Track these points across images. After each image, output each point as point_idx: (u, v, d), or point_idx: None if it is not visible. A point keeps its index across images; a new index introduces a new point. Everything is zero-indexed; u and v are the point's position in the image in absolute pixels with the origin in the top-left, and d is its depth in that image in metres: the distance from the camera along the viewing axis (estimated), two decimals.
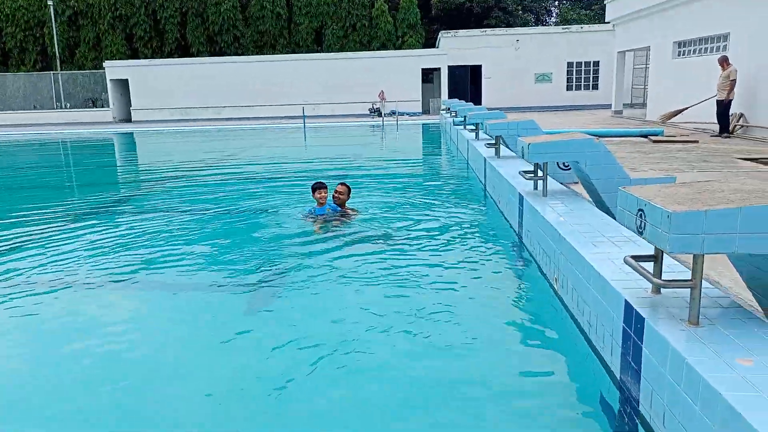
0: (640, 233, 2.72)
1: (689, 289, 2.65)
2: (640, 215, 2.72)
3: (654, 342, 2.61)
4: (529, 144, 5.44)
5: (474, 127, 12.46)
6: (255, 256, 5.70)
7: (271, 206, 8.14)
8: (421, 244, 5.98)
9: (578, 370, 3.41)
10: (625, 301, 2.96)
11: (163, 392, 3.21)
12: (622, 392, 3.00)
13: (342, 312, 4.22)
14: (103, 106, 35.60)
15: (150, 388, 3.26)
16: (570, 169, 8.18)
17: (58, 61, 36.05)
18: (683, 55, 19.18)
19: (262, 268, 5.26)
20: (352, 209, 7.06)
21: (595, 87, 32.41)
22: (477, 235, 6.49)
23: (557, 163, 8.33)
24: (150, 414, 3.00)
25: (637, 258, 2.96)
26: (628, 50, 24.74)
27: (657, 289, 2.99)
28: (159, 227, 7.16)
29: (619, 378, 3.06)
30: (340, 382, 3.25)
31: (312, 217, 6.86)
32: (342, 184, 7.03)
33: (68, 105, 35.97)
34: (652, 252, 2.96)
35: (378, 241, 6.04)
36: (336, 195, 6.93)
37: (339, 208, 6.91)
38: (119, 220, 7.83)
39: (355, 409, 3.00)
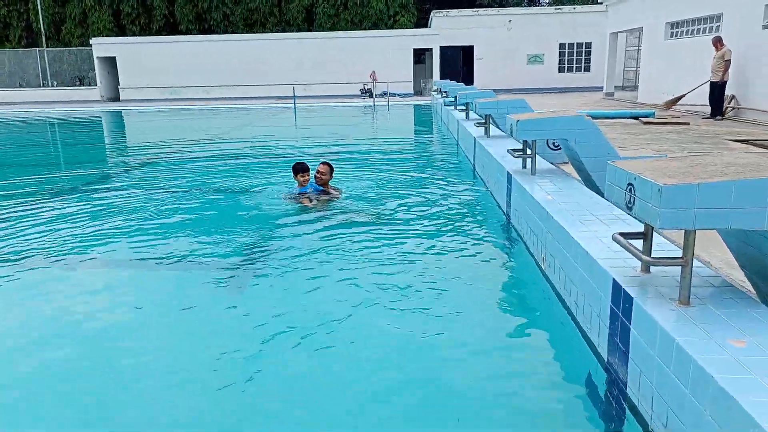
0: (629, 209, 2.60)
1: (680, 267, 2.53)
2: (630, 190, 2.59)
3: (642, 322, 2.50)
4: (518, 121, 5.30)
5: (464, 108, 12.29)
6: (235, 236, 5.54)
7: (254, 186, 7.97)
8: (407, 223, 5.86)
9: (564, 351, 3.32)
10: (613, 280, 2.84)
11: (145, 377, 3.07)
12: (609, 374, 2.90)
13: (325, 292, 4.10)
14: (90, 85, 35.02)
15: (131, 373, 3.12)
16: (560, 148, 8.05)
17: (43, 37, 35.34)
18: (676, 36, 19.01)
19: (243, 249, 5.11)
20: (335, 188, 6.89)
21: (587, 69, 32.20)
22: (465, 214, 6.38)
23: (547, 142, 8.21)
24: (131, 400, 2.87)
25: (625, 235, 2.84)
26: (620, 31, 24.52)
27: (646, 268, 2.88)
28: (139, 205, 6.99)
29: (606, 360, 2.96)
30: (322, 363, 3.13)
31: (293, 197, 6.68)
32: (323, 163, 6.83)
33: (55, 83, 35.35)
34: (641, 230, 2.83)
35: (363, 220, 5.92)
36: (318, 175, 6.72)
37: (321, 188, 6.73)
38: (99, 197, 7.65)
39: (335, 390, 2.89)
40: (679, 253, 2.74)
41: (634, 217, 2.56)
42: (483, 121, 9.04)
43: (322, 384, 2.94)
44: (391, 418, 2.68)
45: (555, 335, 3.51)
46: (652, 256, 2.71)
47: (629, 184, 2.60)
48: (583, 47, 32.28)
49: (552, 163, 6.52)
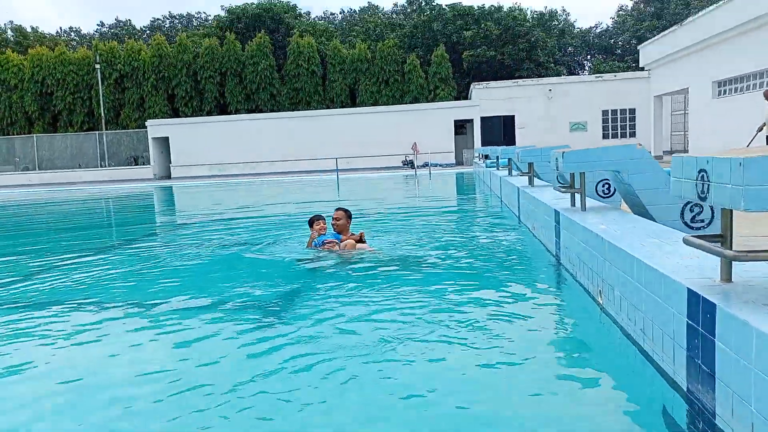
0: (703, 198, 2.22)
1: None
2: (702, 177, 2.23)
3: (730, 331, 2.06)
4: (563, 153, 4.99)
5: (507, 165, 12.06)
6: (259, 284, 5.30)
7: (289, 239, 7.79)
8: (450, 268, 5.51)
9: (635, 387, 2.84)
10: (688, 290, 2.42)
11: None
12: (691, 405, 2.42)
13: (365, 336, 3.73)
14: (144, 164, 36.65)
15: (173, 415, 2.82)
16: (612, 194, 7.65)
17: (103, 121, 37.54)
18: (723, 94, 18.59)
19: (268, 298, 4.84)
20: (353, 234, 6.53)
21: (633, 134, 31.75)
22: (511, 260, 5.99)
23: (596, 189, 7.82)
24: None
25: (699, 238, 2.44)
26: (665, 94, 24.26)
27: (727, 276, 2.45)
28: (176, 261, 6.90)
29: (686, 388, 2.49)
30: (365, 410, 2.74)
31: (316, 247, 6.40)
32: (338, 209, 6.56)
33: (112, 163, 37.16)
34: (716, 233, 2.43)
35: (397, 267, 5.57)
36: (333, 222, 6.41)
37: (340, 236, 6.38)
38: (141, 254, 7.62)
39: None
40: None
41: (711, 206, 2.18)
42: (527, 171, 8.75)
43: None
44: None
45: (622, 372, 3.04)
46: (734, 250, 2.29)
47: (701, 170, 2.24)
48: (627, 113, 32.00)
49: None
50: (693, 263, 2.85)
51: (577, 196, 5.35)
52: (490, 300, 4.37)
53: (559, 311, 4.25)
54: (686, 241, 2.45)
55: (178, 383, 3.04)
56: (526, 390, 2.75)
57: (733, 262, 2.45)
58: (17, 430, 2.63)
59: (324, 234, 6.44)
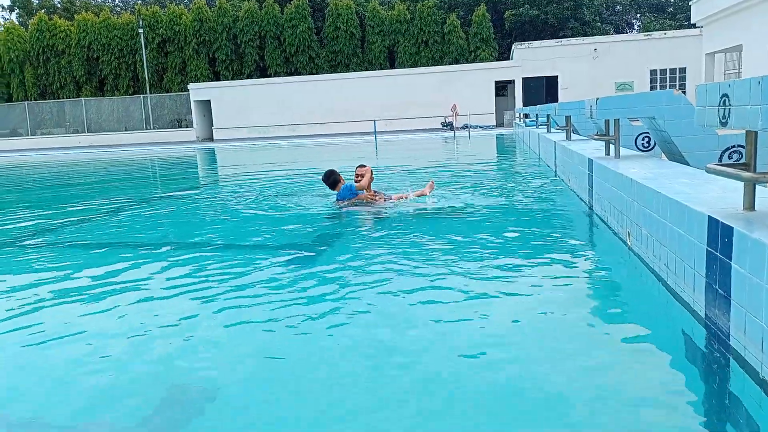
0: (724, 123, 2.23)
1: None
2: (723, 102, 2.23)
3: (746, 251, 2.10)
4: (597, 99, 4.94)
5: (546, 123, 11.89)
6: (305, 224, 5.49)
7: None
8: (481, 222, 5.57)
9: (657, 321, 2.89)
10: (709, 218, 2.45)
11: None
12: (709, 330, 2.48)
13: (402, 282, 3.87)
14: (187, 126, 37.39)
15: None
16: (651, 147, 7.52)
17: (147, 85, 38.33)
18: None
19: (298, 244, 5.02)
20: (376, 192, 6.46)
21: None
22: (544, 213, 5.99)
23: (635, 142, 7.71)
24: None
25: (722, 165, 2.45)
26: (717, 51, 23.19)
27: (749, 204, 2.46)
28: (216, 211, 7.17)
29: (705, 315, 2.54)
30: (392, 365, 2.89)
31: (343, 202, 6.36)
32: (359, 166, 6.49)
33: (156, 126, 38.07)
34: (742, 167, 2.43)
35: (436, 218, 5.66)
36: (357, 178, 6.36)
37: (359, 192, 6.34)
38: (192, 202, 7.94)
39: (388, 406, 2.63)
40: None
41: (730, 130, 2.20)
42: (565, 125, 8.64)
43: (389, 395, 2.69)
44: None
45: (647, 307, 3.10)
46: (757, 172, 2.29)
47: (723, 95, 2.25)
48: (677, 72, 30.81)
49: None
50: (718, 197, 2.86)
51: (612, 145, 5.30)
52: (522, 250, 4.42)
53: (590, 255, 4.28)
54: (708, 169, 2.46)
55: (222, 318, 3.25)
56: (559, 332, 2.77)
57: (756, 191, 2.45)
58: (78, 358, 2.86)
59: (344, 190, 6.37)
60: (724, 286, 2.30)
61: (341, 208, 6.27)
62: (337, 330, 2.84)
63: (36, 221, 7.20)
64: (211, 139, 35.95)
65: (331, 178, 6.63)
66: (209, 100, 35.70)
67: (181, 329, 2.98)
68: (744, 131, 2.32)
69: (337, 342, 2.71)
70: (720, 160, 4.81)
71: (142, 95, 38.42)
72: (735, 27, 20.57)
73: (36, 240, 5.74)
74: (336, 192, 6.57)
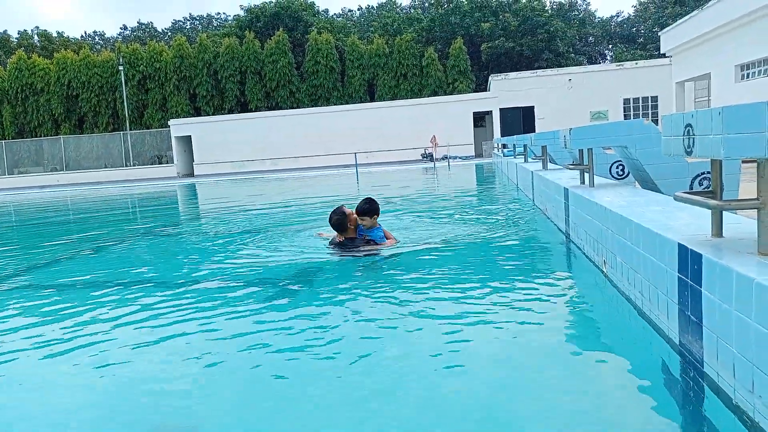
0: (689, 152, 2.28)
1: (755, 218, 2.17)
2: (688, 132, 2.29)
3: (715, 277, 2.13)
4: (571, 130, 5.03)
5: (522, 151, 12.06)
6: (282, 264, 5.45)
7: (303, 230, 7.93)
8: (460, 251, 5.58)
9: (632, 348, 2.90)
10: (679, 245, 2.48)
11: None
12: (683, 356, 2.49)
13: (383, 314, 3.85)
14: (168, 162, 37.28)
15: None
16: (626, 175, 7.65)
17: (127, 122, 38.30)
18: (747, 77, 18.27)
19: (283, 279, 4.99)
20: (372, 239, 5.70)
21: (655, 122, 31.31)
22: (522, 243, 6.02)
23: (610, 170, 7.84)
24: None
25: (690, 194, 2.50)
26: (687, 80, 23.88)
27: (717, 231, 2.51)
28: (202, 245, 7.10)
29: (678, 342, 2.55)
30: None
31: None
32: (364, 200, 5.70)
33: (136, 162, 37.89)
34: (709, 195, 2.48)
35: (415, 250, 5.65)
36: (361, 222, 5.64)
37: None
38: (165, 243, 7.86)
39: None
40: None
41: (696, 158, 2.24)
42: (541, 155, 8.76)
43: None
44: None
45: (622, 334, 3.11)
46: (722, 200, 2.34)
47: (687, 125, 2.31)
48: (649, 101, 31.62)
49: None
50: (689, 225, 2.90)
51: (587, 174, 5.38)
52: (498, 280, 4.43)
53: (567, 283, 4.29)
54: (676, 197, 2.51)
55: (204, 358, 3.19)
56: (535, 358, 2.78)
57: (723, 218, 2.50)
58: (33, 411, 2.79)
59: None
60: (696, 313, 2.32)
61: (339, 248, 5.63)
62: (319, 369, 2.81)
63: (9, 261, 7.07)
64: (191, 174, 35.84)
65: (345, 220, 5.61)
66: (190, 136, 35.72)
67: (160, 370, 2.92)
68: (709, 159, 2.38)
69: (318, 381, 2.67)
70: (691, 186, 4.91)
71: (122, 132, 38.37)
72: (703, 55, 21.25)
73: (12, 281, 5.62)
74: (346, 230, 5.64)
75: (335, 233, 5.68)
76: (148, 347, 3.29)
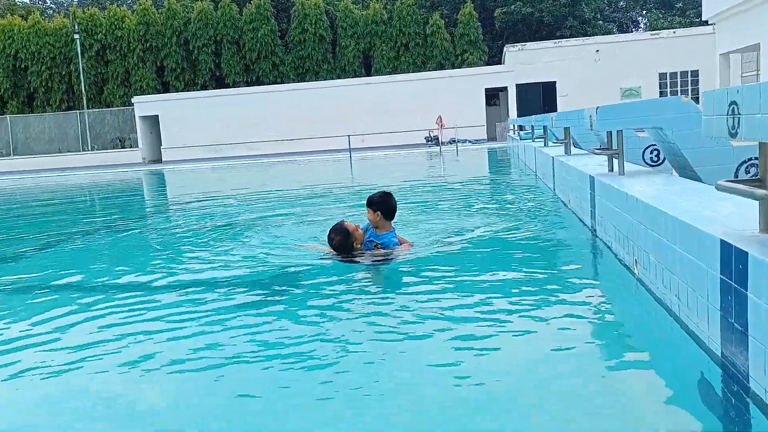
0: (734, 135, 2.28)
1: None
2: (732, 111, 2.28)
3: (763, 279, 2.13)
4: (598, 109, 5.03)
5: (542, 134, 12.07)
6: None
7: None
8: (470, 251, 5.59)
9: (668, 359, 2.91)
10: (721, 242, 2.48)
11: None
12: (725, 369, 2.50)
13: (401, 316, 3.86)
14: (131, 147, 37.22)
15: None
16: (661, 161, 7.67)
17: (84, 99, 38.16)
18: None
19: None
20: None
21: (695, 100, 31.31)
22: (543, 239, 6.03)
23: (643, 156, 7.86)
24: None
25: (734, 182, 2.50)
26: (732, 51, 23.85)
27: (767, 225, 2.50)
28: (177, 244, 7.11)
29: (720, 353, 2.56)
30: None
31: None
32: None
33: (95, 146, 37.82)
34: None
35: (426, 251, 5.62)
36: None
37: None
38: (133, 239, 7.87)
39: None
40: None
41: (742, 141, 2.24)
42: (563, 139, 8.77)
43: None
44: None
45: (657, 344, 3.13)
46: None
47: (732, 103, 2.30)
48: (689, 75, 31.61)
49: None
50: (733, 218, 2.90)
51: (615, 160, 5.38)
52: (517, 284, 4.41)
53: (593, 287, 4.31)
54: (718, 186, 2.50)
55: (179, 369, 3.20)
56: (563, 371, 2.80)
57: None
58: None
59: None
60: (741, 320, 2.32)
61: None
62: (312, 376, 2.83)
63: None
64: (159, 160, 35.80)
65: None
66: (157, 116, 35.63)
67: (140, 380, 2.97)
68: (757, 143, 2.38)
69: (311, 389, 2.71)
70: (736, 174, 4.91)
71: (78, 111, 38.25)
72: (751, 23, 21.21)
73: None
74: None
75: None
76: (112, 359, 3.28)
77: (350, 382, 2.80)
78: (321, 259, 5.37)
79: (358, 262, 5.13)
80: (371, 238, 5.34)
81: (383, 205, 5.30)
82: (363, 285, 4.65)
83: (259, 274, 5.19)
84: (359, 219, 5.81)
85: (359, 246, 5.26)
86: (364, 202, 5.46)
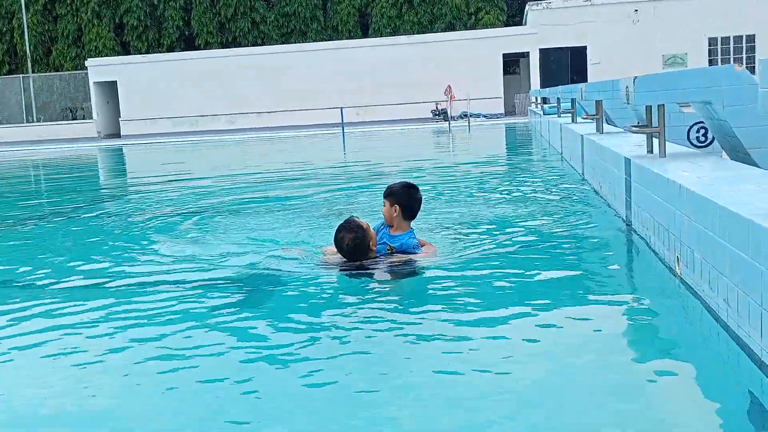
0: None
1: None
2: None
3: None
4: (636, 79, 5.03)
5: (570, 108, 12.09)
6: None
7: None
8: (484, 245, 5.62)
9: (714, 372, 2.95)
10: None
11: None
12: None
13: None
14: (84, 118, 37.19)
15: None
16: (710, 141, 7.70)
17: (29, 62, 38.09)
18: None
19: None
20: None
21: (750, 70, 31.30)
22: (567, 232, 6.05)
23: (688, 134, 7.90)
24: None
25: None
26: None
27: None
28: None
29: None
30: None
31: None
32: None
33: (41, 117, 37.79)
34: None
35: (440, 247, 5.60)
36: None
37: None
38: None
39: None
40: None
41: None
42: (594, 114, 8.80)
43: None
44: None
45: (703, 355, 3.18)
46: None
47: None
48: (743, 41, 31.63)
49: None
50: None
51: (655, 140, 5.39)
52: (541, 285, 4.46)
53: (628, 288, 4.41)
54: None
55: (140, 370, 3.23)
56: (597, 384, 2.89)
57: None
58: None
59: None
60: None
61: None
62: (300, 388, 2.88)
63: None
64: (117, 135, 35.80)
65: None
66: (115, 81, 35.59)
67: (104, 393, 3.00)
68: None
69: (298, 402, 2.76)
70: None
71: (21, 75, 38.18)
72: None
73: None
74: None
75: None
76: (66, 367, 3.31)
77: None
78: (317, 266, 5.02)
79: (371, 272, 4.69)
80: (384, 240, 4.94)
81: (405, 197, 4.92)
82: (350, 279, 4.62)
83: (230, 270, 5.22)
84: (355, 212, 5.84)
85: (374, 249, 4.82)
86: (357, 190, 5.39)
